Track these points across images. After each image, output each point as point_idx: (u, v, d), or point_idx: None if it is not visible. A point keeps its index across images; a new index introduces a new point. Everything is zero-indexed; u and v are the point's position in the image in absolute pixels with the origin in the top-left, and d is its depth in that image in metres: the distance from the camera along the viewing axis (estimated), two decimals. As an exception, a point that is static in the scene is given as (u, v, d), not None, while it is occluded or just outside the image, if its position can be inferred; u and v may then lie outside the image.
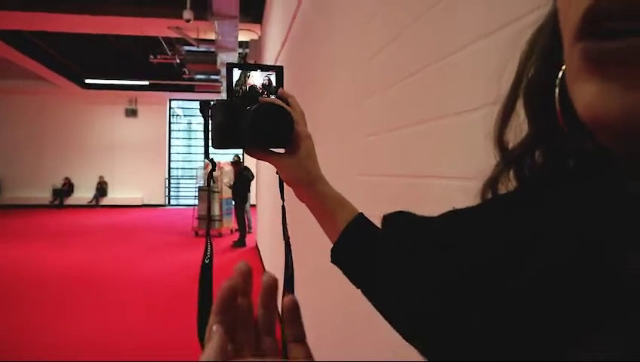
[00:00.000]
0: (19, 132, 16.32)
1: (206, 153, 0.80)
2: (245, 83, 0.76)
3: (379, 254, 0.63)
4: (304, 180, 0.72)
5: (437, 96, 1.12)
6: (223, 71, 9.23)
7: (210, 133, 0.77)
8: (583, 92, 0.26)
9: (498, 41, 0.84)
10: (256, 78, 0.77)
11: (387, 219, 0.59)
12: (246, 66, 0.77)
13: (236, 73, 0.75)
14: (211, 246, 0.79)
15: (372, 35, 1.65)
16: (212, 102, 0.77)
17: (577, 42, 0.26)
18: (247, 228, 9.32)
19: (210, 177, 0.84)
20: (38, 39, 11.03)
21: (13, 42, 10.53)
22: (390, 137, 1.44)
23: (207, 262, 0.78)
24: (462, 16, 1.00)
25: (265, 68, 0.78)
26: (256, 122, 0.69)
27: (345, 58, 2.11)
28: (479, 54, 0.92)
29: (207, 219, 0.85)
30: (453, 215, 0.47)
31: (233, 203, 9.60)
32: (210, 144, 0.78)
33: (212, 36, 8.27)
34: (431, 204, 1.11)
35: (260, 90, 0.76)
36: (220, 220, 10.21)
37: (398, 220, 0.58)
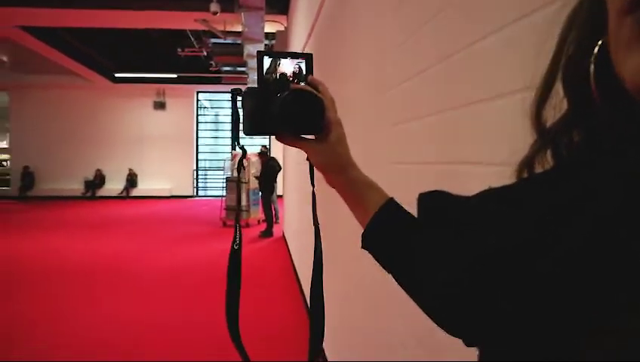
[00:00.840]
0: (52, 126, 16.81)
1: (236, 140, 0.81)
2: (275, 71, 0.77)
3: (414, 232, 0.64)
4: (335, 166, 0.73)
5: (469, 81, 1.12)
6: (250, 62, 9.28)
7: (241, 120, 0.78)
8: (633, 61, 0.26)
9: (531, 25, 0.84)
10: (286, 66, 0.77)
11: (423, 197, 0.59)
12: (276, 54, 0.77)
13: (267, 61, 0.76)
14: (240, 232, 0.81)
15: (400, 21, 1.65)
16: (243, 90, 0.78)
17: (627, 14, 0.26)
18: (274, 219, 9.39)
19: (240, 164, 0.85)
20: (69, 35, 11.29)
21: (47, 39, 10.81)
22: (421, 124, 1.44)
23: (236, 247, 0.79)
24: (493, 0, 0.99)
25: (295, 55, 0.78)
26: (288, 108, 0.70)
27: (371, 46, 2.10)
28: (512, 38, 0.91)
29: (235, 209, 0.87)
30: (488, 194, 0.48)
31: (260, 193, 9.68)
32: (241, 131, 0.79)
33: (239, 28, 8.31)
34: (465, 191, 1.11)
35: (291, 78, 0.77)
36: (248, 211, 10.29)
37: (434, 199, 0.58)
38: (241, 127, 0.79)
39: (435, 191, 0.59)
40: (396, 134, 1.67)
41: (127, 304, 4.89)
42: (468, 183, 1.10)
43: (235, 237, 0.79)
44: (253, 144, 10.28)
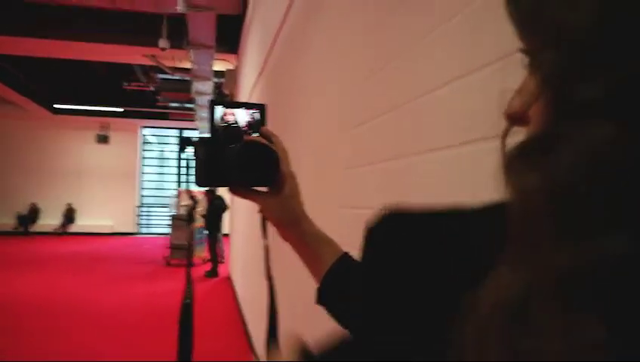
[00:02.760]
0: (-18, 156, 15.86)
1: (179, 180, 0.78)
2: (224, 119, 0.75)
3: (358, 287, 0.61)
4: (289, 220, 0.71)
5: (424, 127, 1.12)
6: (198, 100, 9.21)
7: (192, 169, 0.77)
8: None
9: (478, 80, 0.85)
10: (240, 116, 0.76)
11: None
12: (228, 104, 0.76)
13: (218, 110, 0.75)
14: (191, 283, 0.77)
15: (350, 65, 1.66)
16: (194, 139, 0.76)
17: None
18: (219, 258, 9.18)
19: (191, 213, 0.82)
20: (5, 62, 10.82)
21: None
22: (372, 170, 1.44)
23: (187, 301, 0.75)
24: (440, 52, 1.01)
25: (248, 105, 0.77)
26: (241, 161, 0.68)
27: (321, 89, 2.11)
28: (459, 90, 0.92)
29: (187, 254, 0.82)
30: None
31: (206, 232, 9.47)
32: (194, 180, 0.78)
33: (187, 65, 8.27)
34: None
35: (245, 128, 0.76)
36: (192, 249, 10.01)
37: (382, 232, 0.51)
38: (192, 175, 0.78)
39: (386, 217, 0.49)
40: (348, 178, 1.66)
41: (62, 346, 4.59)
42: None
43: (188, 289, 0.75)
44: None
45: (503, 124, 0.34)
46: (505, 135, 0.33)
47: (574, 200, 0.23)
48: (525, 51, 0.30)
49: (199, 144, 0.74)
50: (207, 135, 0.75)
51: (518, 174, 0.27)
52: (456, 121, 0.95)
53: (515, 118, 0.33)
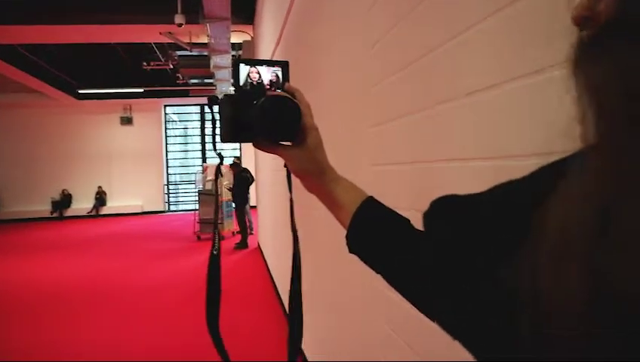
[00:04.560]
0: (16, 146, 16.30)
1: (214, 146, 0.80)
2: (250, 77, 0.77)
3: (400, 230, 0.63)
4: (313, 171, 0.73)
5: (445, 78, 1.12)
6: (217, 74, 9.21)
7: (217, 127, 0.78)
8: None
9: (507, 19, 0.84)
10: (263, 73, 0.78)
11: (432, 203, 0.57)
12: (252, 61, 0.78)
13: (243, 68, 0.76)
14: (219, 237, 0.80)
15: (373, 21, 1.65)
16: (220, 97, 0.77)
17: None
18: (248, 230, 9.32)
19: (218, 171, 0.85)
20: (30, 52, 11.00)
21: (6, 57, 10.50)
22: (398, 125, 1.44)
23: (215, 253, 0.79)
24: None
25: (271, 63, 0.79)
26: (265, 115, 0.70)
27: (344, 48, 2.10)
28: (489, 32, 0.91)
29: (213, 220, 0.85)
30: (496, 188, 0.47)
31: (233, 205, 9.60)
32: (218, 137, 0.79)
33: (205, 39, 8.25)
34: (445, 188, 1.11)
35: (267, 86, 0.78)
36: (222, 223, 10.18)
37: (441, 201, 0.56)
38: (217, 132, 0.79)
39: (444, 196, 0.56)
40: (376, 135, 1.66)
41: (108, 327, 4.73)
42: (445, 180, 1.10)
43: (214, 243, 0.79)
44: (226, 156, 10.19)
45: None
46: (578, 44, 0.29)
47: None
48: None
49: (224, 101, 0.76)
50: (232, 93, 0.76)
51: (589, 64, 0.24)
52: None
53: (584, 18, 0.29)
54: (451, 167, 1.08)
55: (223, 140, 0.77)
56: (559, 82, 0.31)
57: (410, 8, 1.29)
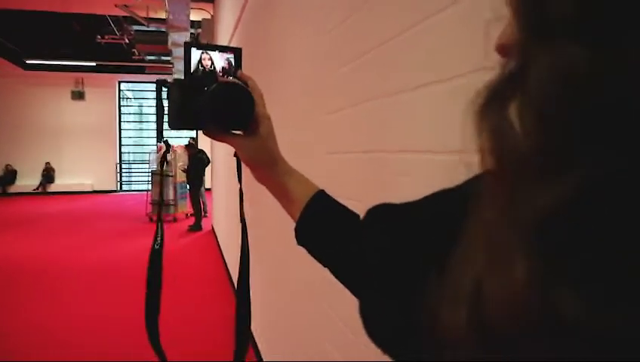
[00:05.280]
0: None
1: (159, 135, 0.78)
2: (202, 63, 0.74)
3: (348, 225, 0.63)
4: (265, 161, 0.71)
5: (399, 69, 1.13)
6: (175, 51, 8.96)
7: (166, 113, 0.76)
8: None
9: (472, 8, 0.85)
10: (216, 60, 0.75)
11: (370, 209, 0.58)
12: (204, 46, 0.75)
13: (194, 53, 0.74)
14: (162, 230, 0.77)
15: (328, 9, 1.65)
16: (169, 82, 0.75)
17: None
18: (202, 212, 9.20)
19: (164, 160, 0.83)
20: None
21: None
22: (355, 112, 1.44)
23: (157, 247, 0.76)
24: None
25: (223, 49, 0.76)
26: (216, 103, 0.68)
27: (301, 35, 2.09)
28: (442, 25, 0.93)
29: (158, 207, 0.82)
30: (430, 196, 0.47)
31: (188, 187, 9.44)
32: (166, 125, 0.76)
33: (163, 15, 8.01)
34: (399, 177, 1.13)
35: (220, 72, 0.75)
36: (175, 205, 10.02)
37: (378, 207, 0.57)
38: (166, 119, 0.76)
39: (380, 204, 0.57)
40: (332, 123, 1.66)
41: (53, 307, 4.60)
42: (398, 171, 1.12)
43: (156, 236, 0.76)
44: (181, 136, 9.99)
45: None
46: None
47: (547, 127, 0.22)
48: None
49: (173, 86, 0.73)
50: (182, 77, 0.74)
51: (491, 116, 0.25)
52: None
53: (504, 50, 0.30)
54: (405, 158, 1.09)
55: (171, 127, 0.75)
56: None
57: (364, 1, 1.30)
